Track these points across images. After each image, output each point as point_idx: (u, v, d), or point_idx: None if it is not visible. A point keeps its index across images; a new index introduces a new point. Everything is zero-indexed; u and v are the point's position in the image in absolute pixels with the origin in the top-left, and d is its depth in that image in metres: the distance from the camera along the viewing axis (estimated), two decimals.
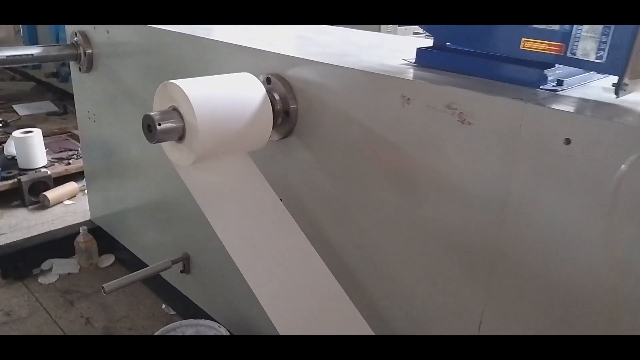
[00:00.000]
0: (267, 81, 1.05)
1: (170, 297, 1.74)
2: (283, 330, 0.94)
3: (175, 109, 0.92)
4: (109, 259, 2.00)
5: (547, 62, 0.83)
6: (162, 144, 0.96)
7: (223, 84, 0.96)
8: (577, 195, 0.71)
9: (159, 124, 0.89)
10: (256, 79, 1.00)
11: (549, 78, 0.85)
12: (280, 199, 1.03)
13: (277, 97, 1.04)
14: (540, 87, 0.84)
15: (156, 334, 1.32)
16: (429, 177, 0.88)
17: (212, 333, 1.30)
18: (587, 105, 0.77)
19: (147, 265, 1.63)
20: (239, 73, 1.01)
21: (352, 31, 1.61)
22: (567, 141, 0.70)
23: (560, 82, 0.86)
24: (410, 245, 0.95)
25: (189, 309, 1.63)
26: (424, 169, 0.88)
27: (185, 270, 1.57)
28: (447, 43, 0.99)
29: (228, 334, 1.32)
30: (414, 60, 1.00)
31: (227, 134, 0.93)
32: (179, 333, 1.30)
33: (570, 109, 0.73)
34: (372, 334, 0.98)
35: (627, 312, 0.70)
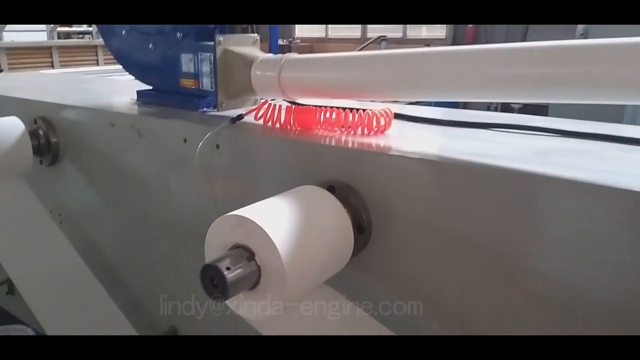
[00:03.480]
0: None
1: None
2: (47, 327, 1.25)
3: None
4: None
5: (198, 93, 1.23)
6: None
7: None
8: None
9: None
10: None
11: (204, 104, 1.24)
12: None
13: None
14: (199, 110, 1.24)
15: None
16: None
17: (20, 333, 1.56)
18: (203, 118, 1.16)
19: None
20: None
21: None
22: (185, 140, 1.10)
23: (215, 106, 1.26)
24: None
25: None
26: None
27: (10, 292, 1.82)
28: (151, 86, 1.38)
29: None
30: (136, 98, 1.39)
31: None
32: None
33: (188, 119, 1.13)
34: (134, 332, 1.31)
35: None
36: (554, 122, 1.04)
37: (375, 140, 0.94)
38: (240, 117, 1.05)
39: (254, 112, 1.04)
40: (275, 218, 0.72)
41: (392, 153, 0.85)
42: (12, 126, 1.31)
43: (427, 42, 7.47)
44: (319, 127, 1.00)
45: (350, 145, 0.90)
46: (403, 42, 9.22)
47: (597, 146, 0.89)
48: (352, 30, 10.21)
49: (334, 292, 0.84)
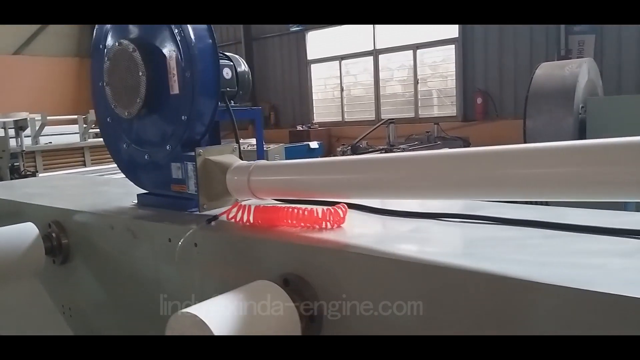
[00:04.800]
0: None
1: None
2: None
3: None
4: None
5: (186, 196, 1.39)
6: None
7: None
8: None
9: None
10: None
11: (192, 205, 1.39)
12: None
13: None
14: (188, 210, 1.39)
15: None
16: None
17: None
18: (188, 218, 1.31)
19: None
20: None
21: None
22: (169, 240, 1.24)
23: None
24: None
25: None
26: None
27: None
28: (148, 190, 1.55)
29: None
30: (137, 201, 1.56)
31: None
32: None
33: (172, 221, 1.28)
34: None
35: None
36: (497, 209, 1.14)
37: (329, 235, 1.06)
38: (215, 217, 1.19)
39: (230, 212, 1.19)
40: (221, 315, 0.84)
41: (340, 248, 0.96)
42: (27, 231, 1.49)
43: (437, 120, 7.74)
44: (284, 223, 1.13)
45: (303, 241, 1.03)
46: (415, 121, 9.55)
47: (525, 233, 0.99)
48: (366, 114, 10.66)
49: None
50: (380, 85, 10.50)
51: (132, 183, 1.56)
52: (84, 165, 6.55)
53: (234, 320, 0.84)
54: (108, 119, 1.52)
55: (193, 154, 1.29)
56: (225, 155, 1.31)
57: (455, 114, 9.24)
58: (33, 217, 1.57)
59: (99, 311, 1.59)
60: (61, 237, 1.58)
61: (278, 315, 0.90)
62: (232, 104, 1.48)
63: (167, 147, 1.37)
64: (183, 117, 1.30)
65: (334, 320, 0.96)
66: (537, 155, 0.78)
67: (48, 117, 7.28)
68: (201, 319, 0.81)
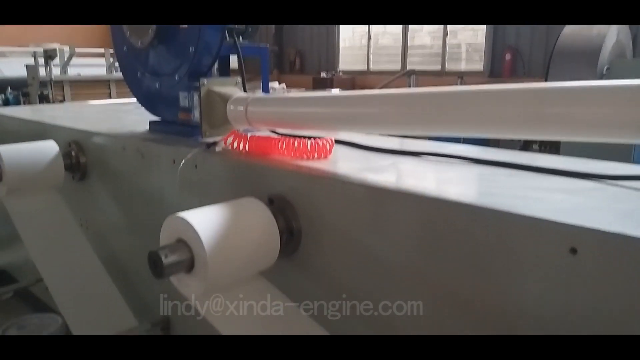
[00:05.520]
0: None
1: None
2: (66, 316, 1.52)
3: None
4: (7, 293, 2.54)
5: (192, 124, 1.50)
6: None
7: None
8: None
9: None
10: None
11: (197, 132, 1.51)
12: None
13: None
14: (193, 137, 1.50)
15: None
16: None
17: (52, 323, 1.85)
18: (192, 144, 1.42)
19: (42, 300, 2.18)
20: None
21: None
22: (173, 161, 1.36)
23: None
24: None
25: None
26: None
27: None
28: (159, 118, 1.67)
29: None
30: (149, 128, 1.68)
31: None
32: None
33: (177, 145, 1.39)
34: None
35: None
36: (479, 152, 1.22)
37: (314, 164, 1.16)
38: (215, 143, 1.30)
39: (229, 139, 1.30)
40: (207, 219, 0.94)
41: (323, 175, 1.07)
42: (49, 148, 1.63)
43: (462, 75, 7.61)
44: (277, 152, 1.23)
45: (290, 168, 1.13)
46: (442, 74, 9.40)
47: (492, 171, 1.08)
48: (392, 64, 10.50)
49: (268, 285, 1.05)
50: (409, 35, 10.27)
51: (147, 111, 1.67)
52: (110, 97, 6.73)
53: (220, 226, 0.94)
54: (124, 48, 1.62)
55: (198, 84, 1.39)
56: (227, 87, 1.40)
57: (482, 70, 9.05)
58: (55, 137, 1.71)
59: (112, 226, 1.75)
60: (79, 155, 1.73)
61: (261, 227, 1.01)
62: (242, 41, 1.56)
63: (176, 77, 1.47)
64: (191, 49, 1.40)
65: (312, 239, 1.08)
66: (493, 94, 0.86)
67: (77, 49, 7.43)
68: (188, 221, 0.92)
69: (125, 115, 2.22)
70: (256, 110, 1.26)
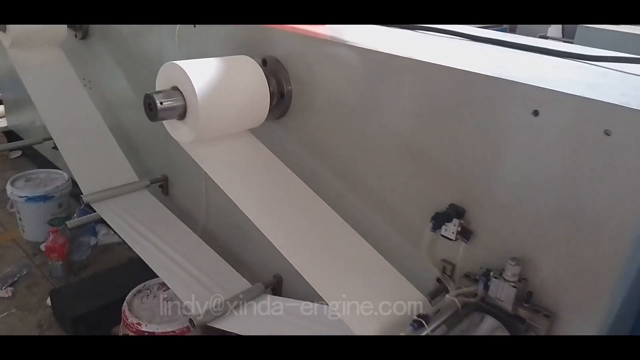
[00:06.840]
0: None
1: None
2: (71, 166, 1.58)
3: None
4: (16, 153, 2.67)
5: None
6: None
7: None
8: None
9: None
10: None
11: None
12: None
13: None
14: None
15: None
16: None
17: None
18: None
19: (48, 159, 2.27)
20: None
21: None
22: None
23: None
24: None
25: None
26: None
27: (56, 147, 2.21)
28: None
29: None
30: None
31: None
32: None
33: None
34: (134, 174, 1.61)
35: None
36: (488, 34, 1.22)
37: (311, 28, 1.14)
38: None
39: None
40: (201, 69, 0.97)
41: (318, 37, 1.06)
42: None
43: None
44: None
45: (285, 29, 1.14)
46: None
47: (488, 48, 1.09)
48: None
49: (254, 140, 1.11)
50: None
51: None
52: None
53: (213, 79, 0.96)
54: None
55: None
56: None
57: None
58: None
59: (113, 84, 1.78)
60: None
61: (253, 83, 1.04)
62: None
63: None
64: None
65: (302, 102, 1.11)
66: None
67: None
68: (183, 69, 0.94)
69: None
70: None
